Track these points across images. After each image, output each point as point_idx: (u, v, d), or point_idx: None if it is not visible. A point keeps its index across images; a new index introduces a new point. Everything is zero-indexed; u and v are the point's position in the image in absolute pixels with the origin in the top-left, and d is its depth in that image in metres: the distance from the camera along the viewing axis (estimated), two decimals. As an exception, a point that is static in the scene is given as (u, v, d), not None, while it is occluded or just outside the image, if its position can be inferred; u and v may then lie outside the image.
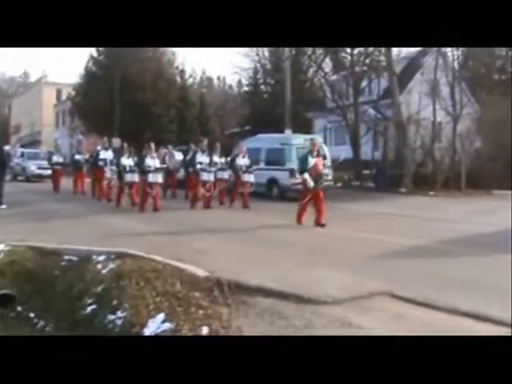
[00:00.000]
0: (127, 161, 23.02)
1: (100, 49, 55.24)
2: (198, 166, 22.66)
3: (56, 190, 30.99)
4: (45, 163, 39.48)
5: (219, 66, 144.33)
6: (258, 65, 55.23)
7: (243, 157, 23.40)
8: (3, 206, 21.71)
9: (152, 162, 21.71)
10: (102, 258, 11.68)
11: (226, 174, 23.60)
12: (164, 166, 24.59)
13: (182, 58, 62.03)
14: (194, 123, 57.32)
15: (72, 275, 11.54)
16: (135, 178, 22.47)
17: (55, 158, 33.03)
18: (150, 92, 53.22)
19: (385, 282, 9.69)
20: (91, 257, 11.90)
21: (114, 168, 24.97)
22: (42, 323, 10.65)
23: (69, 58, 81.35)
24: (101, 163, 26.20)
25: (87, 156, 30.62)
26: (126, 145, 24.11)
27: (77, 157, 31.07)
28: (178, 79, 60.24)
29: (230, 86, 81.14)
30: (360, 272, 10.54)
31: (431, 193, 28.81)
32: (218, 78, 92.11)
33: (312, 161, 17.06)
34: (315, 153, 17.25)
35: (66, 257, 12.45)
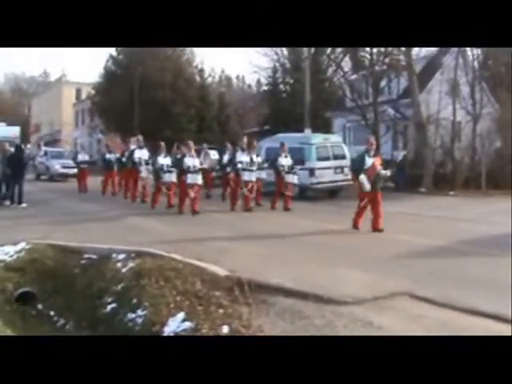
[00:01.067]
0: (164, 160, 22.18)
1: (119, 48, 55.42)
2: (239, 166, 21.28)
3: (82, 190, 30.31)
4: (69, 162, 39.13)
5: (238, 66, 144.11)
6: (277, 64, 55.20)
7: (285, 156, 21.91)
8: (24, 205, 21.88)
9: (191, 161, 20.32)
10: (121, 256, 11.71)
11: (264, 174, 22.41)
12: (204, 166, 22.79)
13: (201, 58, 61.61)
14: (214, 122, 57.34)
15: (92, 274, 11.59)
16: (173, 178, 21.37)
17: (81, 157, 32.44)
18: (170, 91, 53.30)
19: (405, 281, 9.68)
20: (111, 255, 11.95)
21: (150, 167, 23.95)
22: (62, 321, 10.72)
23: (88, 57, 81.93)
24: (135, 164, 24.73)
25: (118, 155, 28.96)
26: (163, 143, 23.08)
27: (108, 156, 29.72)
28: (198, 78, 60.29)
29: (249, 86, 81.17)
30: (380, 272, 10.53)
31: (451, 193, 28.64)
32: (237, 77, 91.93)
33: (369, 161, 15.71)
34: (372, 152, 15.89)
35: (87, 255, 12.51)
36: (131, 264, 11.07)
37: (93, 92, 63.38)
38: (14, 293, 11.37)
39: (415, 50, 35.41)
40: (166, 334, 8.02)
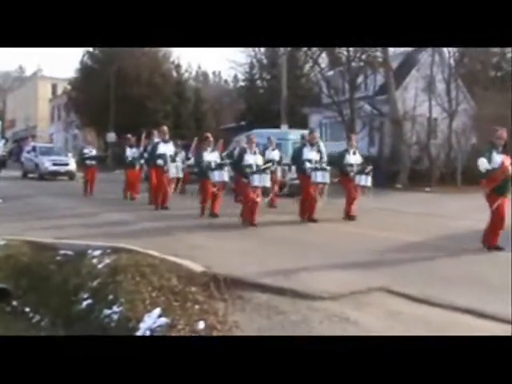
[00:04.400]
0: (212, 155, 18.17)
1: (95, 43, 55.26)
2: (308, 165, 16.91)
3: (88, 192, 25.67)
4: (60, 159, 37.79)
5: (215, 61, 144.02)
6: (254, 60, 55.33)
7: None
8: (-1, 201, 21.74)
9: (253, 158, 16.46)
10: (97, 252, 11.63)
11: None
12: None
13: (178, 53, 61.62)
14: (190, 118, 57.34)
15: (68, 270, 11.51)
16: (224, 176, 17.63)
17: (87, 151, 26.88)
18: (146, 87, 53.30)
19: (382, 277, 9.71)
20: (87, 251, 11.87)
21: (179, 165, 20.45)
22: (37, 318, 10.66)
23: (64, 52, 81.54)
24: (159, 160, 20.04)
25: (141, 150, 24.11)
26: (209, 135, 18.92)
27: (128, 151, 24.45)
28: (174, 74, 60.32)
29: (226, 81, 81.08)
30: (357, 267, 10.56)
31: (427, 189, 28.85)
32: (214, 72, 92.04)
33: (498, 158, 12.35)
34: (500, 148, 12.47)
35: (62, 251, 12.41)
36: (107, 260, 11.01)
37: (69, 87, 63.29)
38: (-12, 289, 11.30)
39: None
40: (141, 330, 8.00)
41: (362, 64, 37.27)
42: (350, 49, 36.23)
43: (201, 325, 7.52)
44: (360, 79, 38.96)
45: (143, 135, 24.19)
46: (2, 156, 43.81)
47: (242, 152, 16.82)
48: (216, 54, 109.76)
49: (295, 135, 26.76)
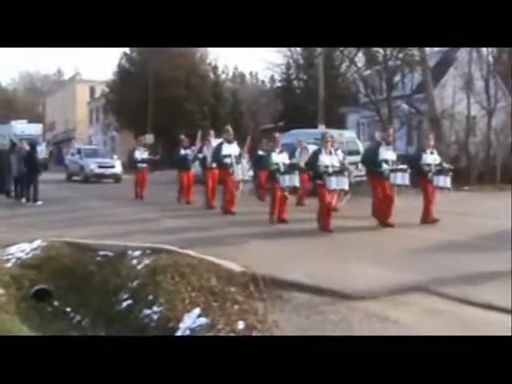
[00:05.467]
0: (280, 157, 16.60)
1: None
2: (386, 167, 15.46)
3: (140, 196, 24.80)
4: (106, 161, 37.47)
5: (252, 62, 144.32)
6: (291, 60, 55.35)
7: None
8: (39, 203, 22.11)
9: (329, 159, 15.05)
10: (137, 253, 11.71)
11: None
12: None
13: (215, 55, 61.59)
14: (228, 119, 57.37)
15: (108, 271, 11.61)
16: (296, 181, 15.92)
17: (138, 154, 25.64)
18: (183, 88, 53.49)
19: (421, 276, 9.67)
20: (126, 252, 11.96)
21: (245, 165, 19.08)
22: (78, 318, 10.75)
23: (102, 55, 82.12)
24: (226, 160, 18.67)
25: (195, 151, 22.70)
26: (277, 135, 17.91)
27: (182, 152, 23.28)
28: (211, 75, 60.47)
29: (263, 82, 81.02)
30: (397, 267, 10.53)
31: (466, 188, 28.53)
32: (251, 73, 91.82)
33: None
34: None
35: (102, 252, 12.52)
36: (146, 261, 11.07)
37: (106, 90, 63.66)
38: (30, 290, 11.42)
39: (429, 45, 35.37)
40: (181, 330, 8.05)
41: (398, 63, 37.08)
42: (387, 47, 36.08)
43: (240, 324, 7.54)
44: (397, 78, 38.78)
45: (198, 136, 22.88)
46: (44, 159, 44.47)
47: (317, 152, 15.28)
48: (253, 54, 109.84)
49: (333, 135, 26.79)
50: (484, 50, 35.87)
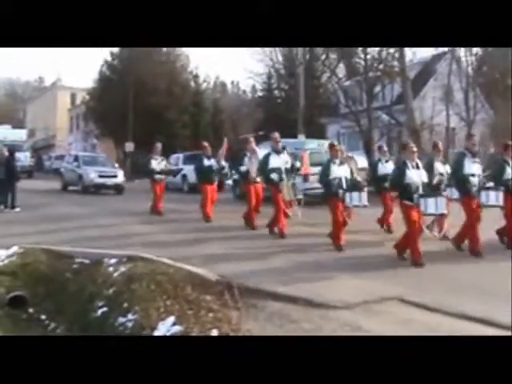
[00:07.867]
0: (341, 170, 13.72)
1: (114, 53, 55.97)
2: (474, 182, 12.90)
3: (156, 210, 21.08)
4: (107, 170, 33.60)
5: (233, 71, 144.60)
6: (272, 70, 55.54)
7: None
8: (17, 209, 21.99)
9: (417, 174, 12.15)
10: (113, 261, 11.71)
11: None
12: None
13: (196, 63, 61.55)
14: (208, 128, 57.39)
15: (84, 278, 11.60)
16: (364, 199, 13.77)
17: (155, 164, 21.87)
18: (164, 97, 53.37)
19: (396, 286, 9.72)
20: (103, 260, 11.94)
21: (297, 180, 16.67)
22: (53, 325, 10.72)
23: (83, 62, 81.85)
24: (274, 175, 15.50)
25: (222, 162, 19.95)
26: (337, 143, 15.33)
27: (206, 162, 19.52)
28: (192, 84, 60.41)
29: (244, 91, 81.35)
30: (372, 276, 10.57)
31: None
32: (232, 82, 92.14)
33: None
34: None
35: (78, 260, 12.50)
36: (123, 268, 11.07)
37: (87, 97, 63.45)
38: (5, 297, 11.37)
39: (409, 57, 35.60)
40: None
41: (379, 74, 37.20)
42: (367, 58, 36.24)
43: (214, 333, 7.55)
44: (377, 89, 38.90)
45: (224, 143, 20.47)
46: (29, 166, 44.63)
47: (403, 167, 12.25)
48: (234, 64, 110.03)
49: (313, 145, 26.89)
50: (464, 61, 36.16)
